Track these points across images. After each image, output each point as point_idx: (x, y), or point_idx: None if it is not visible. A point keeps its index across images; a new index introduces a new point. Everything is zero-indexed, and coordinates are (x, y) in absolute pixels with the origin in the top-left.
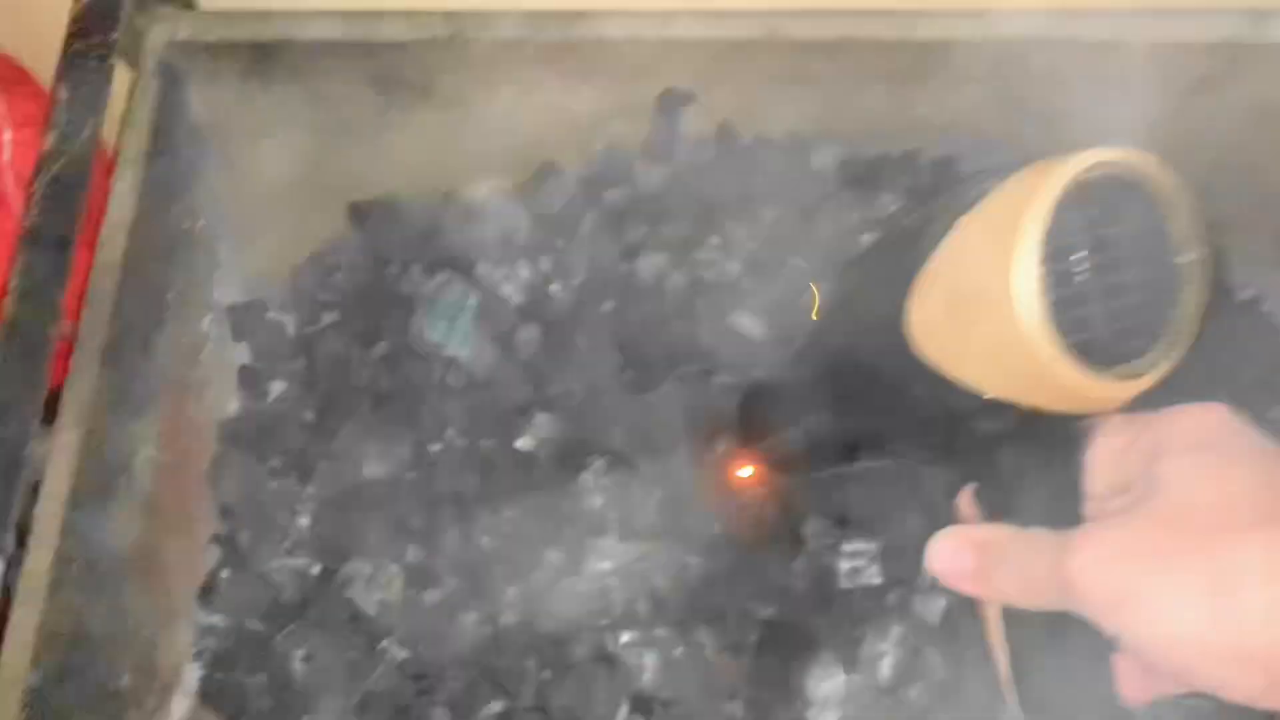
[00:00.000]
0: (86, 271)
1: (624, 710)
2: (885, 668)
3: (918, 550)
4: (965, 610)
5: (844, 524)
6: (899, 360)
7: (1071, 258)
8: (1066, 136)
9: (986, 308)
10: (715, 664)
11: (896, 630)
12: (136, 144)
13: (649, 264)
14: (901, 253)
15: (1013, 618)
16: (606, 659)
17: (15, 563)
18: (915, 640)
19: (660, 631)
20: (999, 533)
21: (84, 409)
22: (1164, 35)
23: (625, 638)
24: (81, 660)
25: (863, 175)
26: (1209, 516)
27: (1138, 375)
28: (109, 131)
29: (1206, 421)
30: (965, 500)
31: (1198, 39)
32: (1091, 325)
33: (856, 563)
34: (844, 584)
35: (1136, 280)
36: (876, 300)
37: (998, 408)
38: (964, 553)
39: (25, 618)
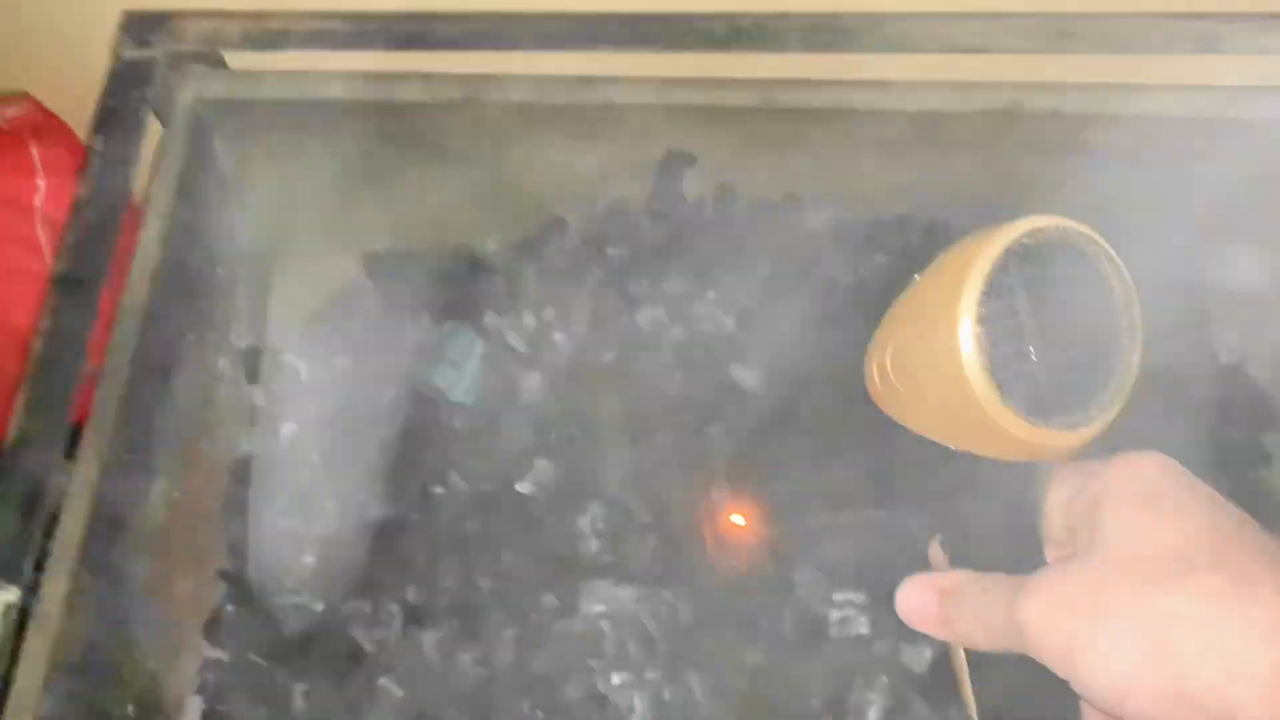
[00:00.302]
0: (111, 315)
1: None
2: (871, 716)
3: None
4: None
5: (833, 574)
6: (864, 416)
7: (1015, 317)
8: (1053, 203)
9: (934, 362)
10: (704, 707)
11: (883, 679)
12: (164, 195)
13: (648, 316)
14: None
15: (977, 662)
16: (598, 699)
17: (32, 591)
18: (902, 689)
19: (650, 674)
20: (960, 578)
21: (104, 445)
22: (1142, 110)
23: (616, 679)
24: (88, 689)
25: (857, 237)
26: (1144, 567)
27: (1079, 426)
28: (138, 181)
29: (1146, 471)
30: (934, 549)
31: (1175, 114)
32: (1036, 380)
33: (846, 612)
34: (833, 633)
35: (1078, 338)
36: (842, 358)
37: (956, 458)
38: (928, 597)
39: (38, 646)
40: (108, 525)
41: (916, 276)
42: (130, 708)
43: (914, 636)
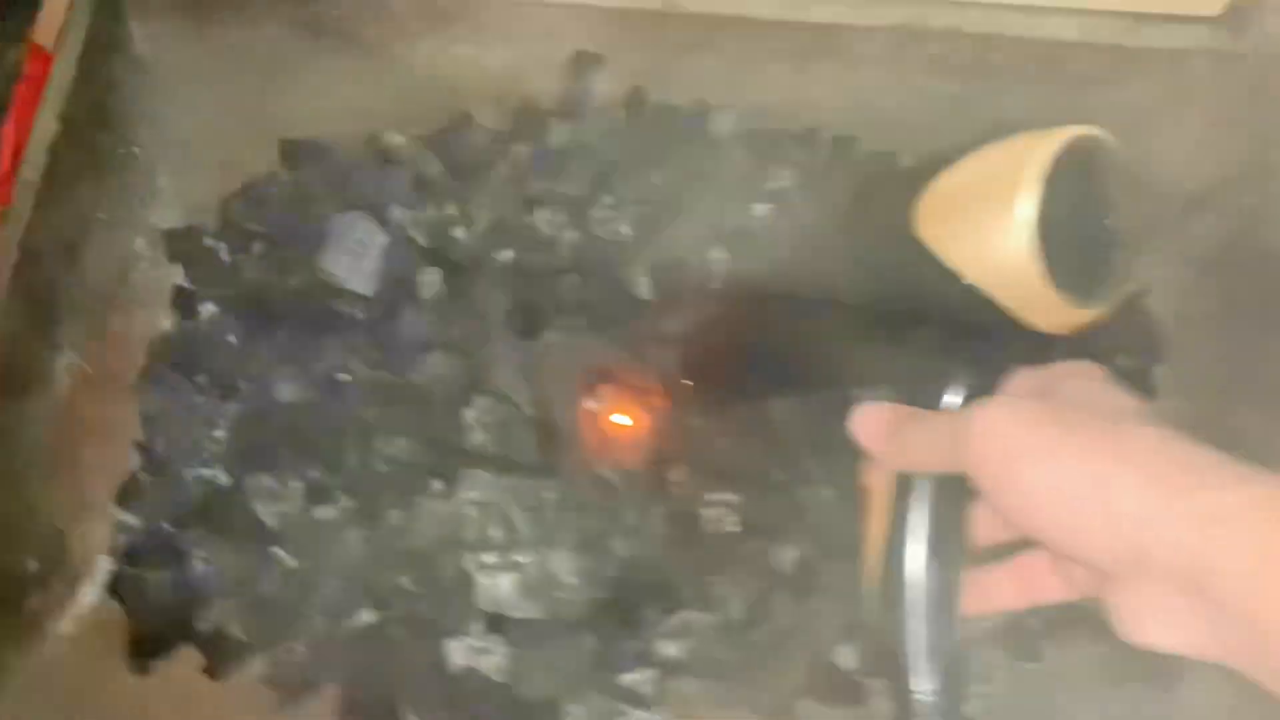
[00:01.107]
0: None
1: (480, 626)
2: (734, 609)
3: (777, 504)
4: (817, 562)
5: (709, 475)
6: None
7: (1061, 197)
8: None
9: (991, 201)
10: (569, 591)
11: (749, 576)
12: (64, 72)
13: (546, 218)
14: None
15: (903, 480)
16: (466, 579)
17: None
18: (766, 585)
19: (519, 557)
20: (913, 408)
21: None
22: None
23: (487, 559)
24: None
25: (762, 147)
26: (1098, 412)
27: (1071, 303)
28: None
29: (1088, 369)
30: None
31: (1084, 38)
32: (1057, 250)
33: (717, 511)
34: (704, 529)
35: (1096, 238)
36: (892, 199)
37: (966, 297)
38: (884, 416)
39: None
40: (6, 388)
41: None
42: (34, 564)
43: (782, 537)
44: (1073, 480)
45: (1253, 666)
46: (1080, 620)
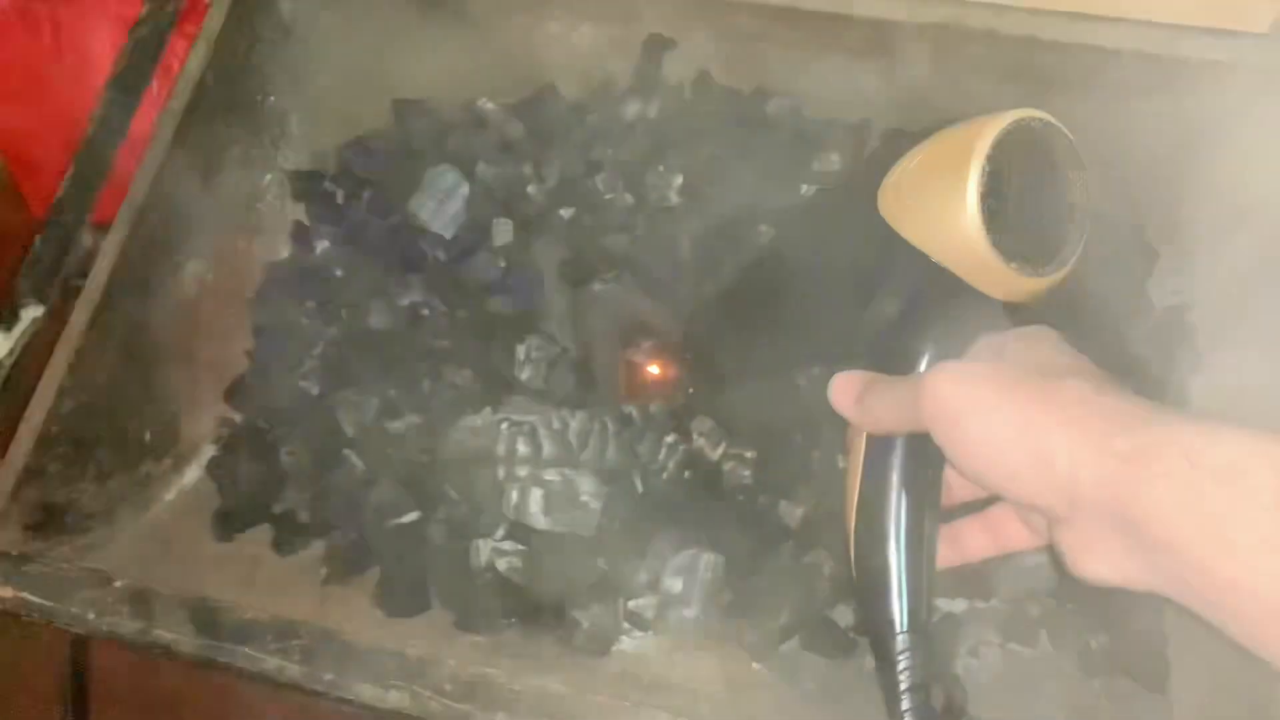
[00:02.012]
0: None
1: (503, 530)
2: (740, 554)
3: (791, 463)
4: (822, 522)
5: (730, 429)
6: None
7: (1007, 176)
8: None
9: (943, 183)
10: (589, 512)
11: (757, 525)
12: (213, 24)
13: (605, 181)
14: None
15: (874, 440)
16: (498, 489)
17: (57, 314)
18: (773, 537)
19: (547, 475)
20: (882, 375)
21: (135, 215)
22: (1092, 39)
23: (519, 473)
24: (110, 403)
25: (815, 132)
26: (1032, 368)
27: (1023, 274)
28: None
29: (1040, 333)
30: None
31: (1125, 47)
32: (1007, 225)
33: (735, 464)
34: (719, 477)
35: (1043, 213)
36: (862, 185)
37: (925, 273)
38: (855, 382)
39: (60, 358)
40: (136, 282)
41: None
42: (148, 435)
43: (792, 495)
44: (1008, 430)
45: (1181, 594)
46: (1078, 614)
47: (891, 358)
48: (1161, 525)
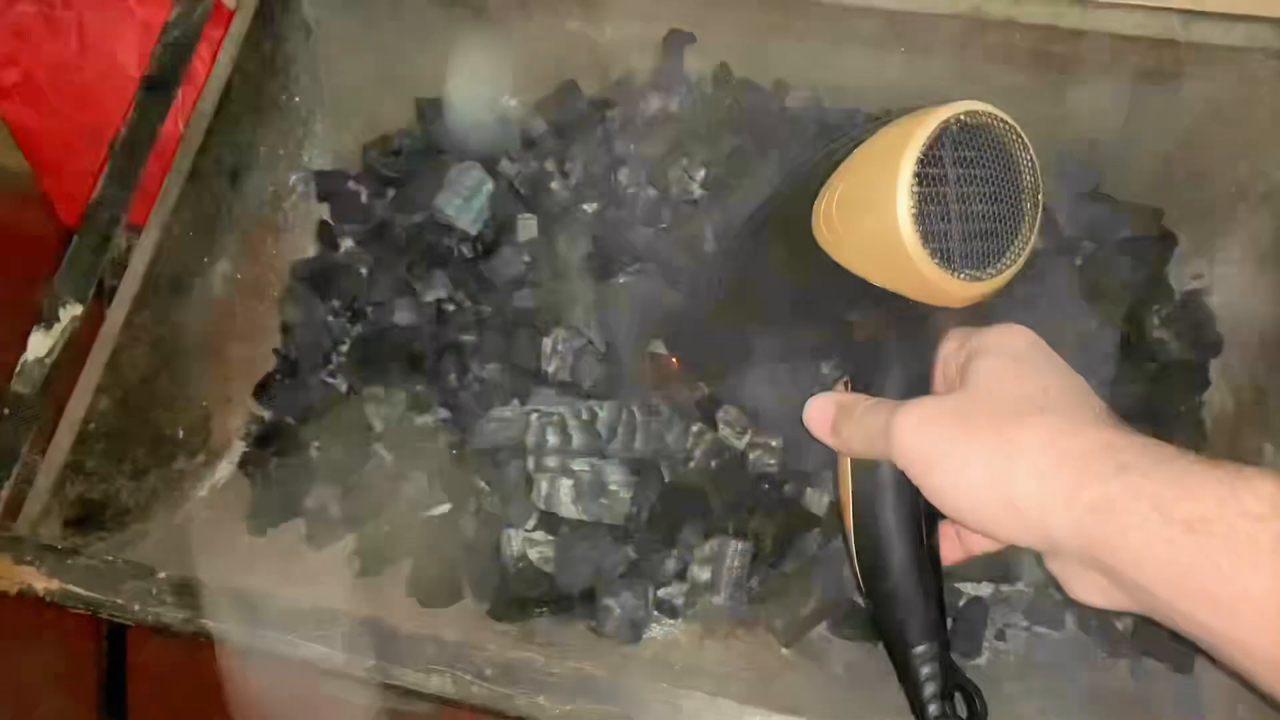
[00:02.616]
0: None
1: (534, 519)
2: (767, 541)
3: (816, 451)
4: None
5: (756, 418)
6: (806, 252)
7: (943, 184)
8: (1025, 113)
9: (872, 209)
10: (618, 501)
11: (783, 513)
12: (240, 27)
13: (627, 175)
14: (815, 170)
15: (858, 467)
16: (529, 479)
17: (94, 314)
18: (799, 524)
19: (576, 466)
20: (854, 398)
21: (169, 215)
22: (1108, 25)
23: (549, 462)
24: (144, 401)
25: (835, 124)
26: (998, 405)
27: (979, 280)
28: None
29: (1015, 337)
30: (838, 386)
31: (1143, 33)
32: (951, 236)
33: (760, 452)
34: (748, 468)
35: (990, 210)
36: (795, 204)
37: (872, 296)
38: (828, 409)
39: (99, 357)
40: (168, 283)
41: (865, 139)
42: (180, 431)
43: (818, 481)
44: (976, 481)
45: (1162, 619)
46: None
47: (862, 371)
48: (1138, 572)
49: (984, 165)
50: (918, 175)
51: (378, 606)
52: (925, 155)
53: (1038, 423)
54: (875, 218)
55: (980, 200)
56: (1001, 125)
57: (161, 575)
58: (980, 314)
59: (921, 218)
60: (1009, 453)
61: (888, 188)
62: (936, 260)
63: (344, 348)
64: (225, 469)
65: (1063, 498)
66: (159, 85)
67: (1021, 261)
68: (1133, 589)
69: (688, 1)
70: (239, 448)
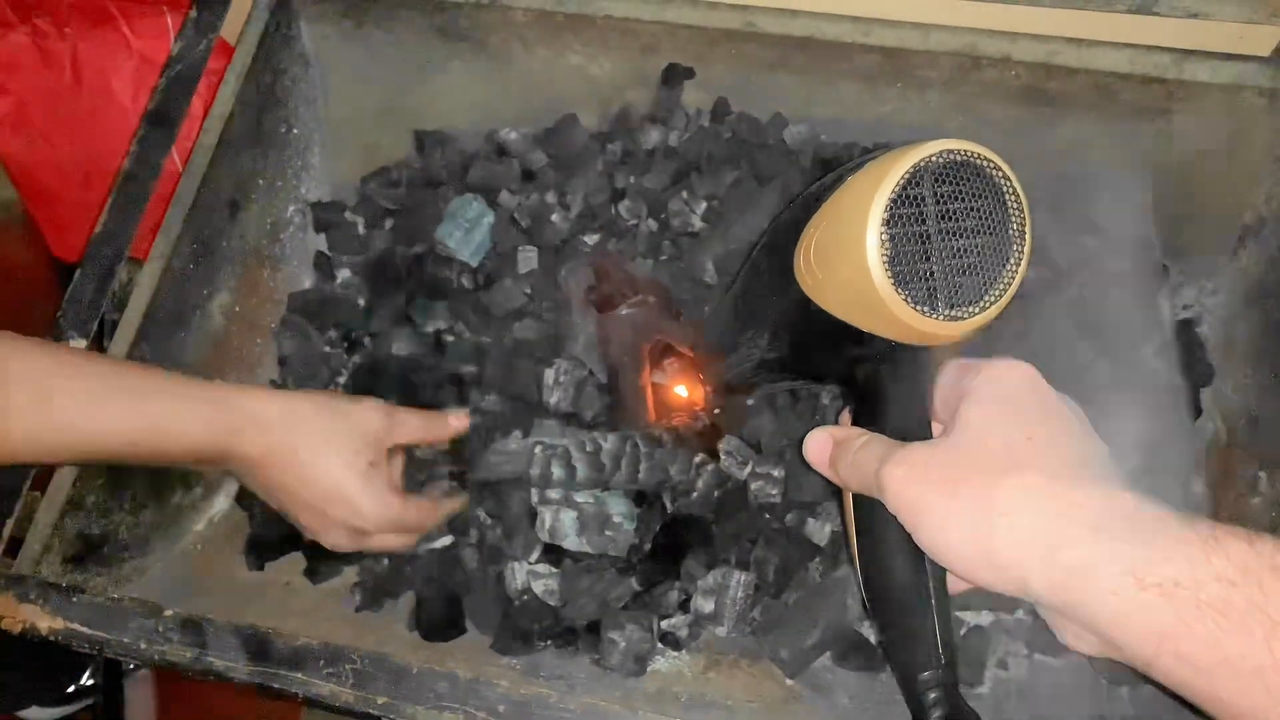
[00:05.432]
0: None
1: (537, 552)
2: (769, 572)
3: (817, 481)
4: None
5: (758, 449)
6: (793, 296)
7: (922, 223)
8: (1018, 147)
9: (845, 257)
10: (622, 533)
11: (785, 543)
12: (242, 61)
13: (628, 207)
14: (799, 212)
15: (860, 496)
16: (531, 512)
17: (99, 346)
18: (801, 554)
19: (579, 498)
20: (851, 433)
21: (170, 248)
22: (1102, 64)
23: (552, 495)
24: None
25: (830, 157)
26: (985, 459)
27: (962, 320)
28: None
29: (1010, 376)
30: (844, 416)
31: (1134, 71)
32: (932, 276)
33: (762, 483)
34: (750, 499)
35: (973, 244)
36: (782, 247)
37: (863, 338)
38: (826, 444)
39: None
40: (168, 314)
41: (846, 180)
42: (179, 467)
43: (819, 511)
44: (959, 536)
45: (1147, 674)
46: None
47: (861, 406)
48: (1120, 632)
49: (965, 199)
50: (889, 219)
51: (379, 641)
52: (899, 196)
53: (1016, 483)
54: (848, 266)
55: (963, 235)
56: (982, 160)
57: (168, 613)
58: (978, 345)
59: (896, 260)
60: (988, 512)
61: (856, 238)
62: (913, 304)
63: (341, 379)
64: (222, 502)
65: (1040, 558)
66: (162, 120)
67: (1009, 296)
68: (1115, 644)
69: (685, 37)
70: (236, 481)
